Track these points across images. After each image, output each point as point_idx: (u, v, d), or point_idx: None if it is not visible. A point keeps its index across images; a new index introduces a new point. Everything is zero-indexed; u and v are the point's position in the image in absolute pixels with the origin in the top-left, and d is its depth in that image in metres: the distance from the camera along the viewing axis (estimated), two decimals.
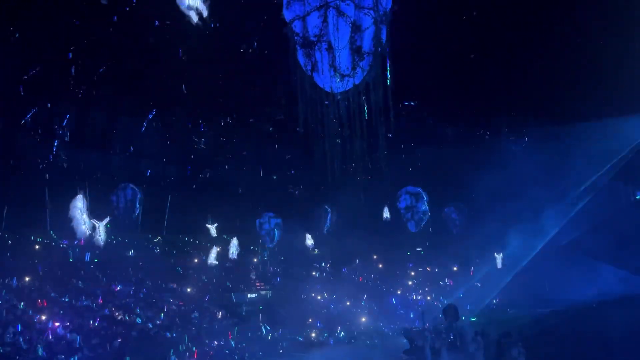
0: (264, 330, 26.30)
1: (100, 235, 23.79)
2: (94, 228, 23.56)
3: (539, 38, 19.28)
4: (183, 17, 17.04)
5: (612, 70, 20.92)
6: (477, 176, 27.30)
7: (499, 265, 32.05)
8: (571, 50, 20.09)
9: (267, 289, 33.39)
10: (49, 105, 21.62)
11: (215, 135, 24.84)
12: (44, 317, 20.93)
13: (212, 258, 31.07)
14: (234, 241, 31.29)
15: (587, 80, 21.79)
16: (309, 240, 34.17)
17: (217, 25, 17.50)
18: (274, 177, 27.44)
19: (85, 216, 21.91)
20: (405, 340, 21.31)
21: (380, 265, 37.74)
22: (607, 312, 25.45)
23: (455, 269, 36.81)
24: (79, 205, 22.09)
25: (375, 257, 37.61)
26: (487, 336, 16.17)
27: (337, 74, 9.34)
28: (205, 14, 14.56)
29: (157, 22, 18.57)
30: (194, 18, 14.10)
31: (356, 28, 9.06)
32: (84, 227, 22.05)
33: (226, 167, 27.56)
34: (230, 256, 32.02)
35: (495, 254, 32.18)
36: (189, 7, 14.08)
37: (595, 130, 25.63)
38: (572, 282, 28.26)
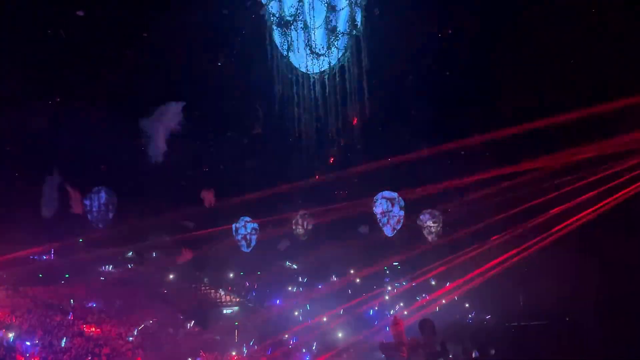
0: (244, 349, 26.00)
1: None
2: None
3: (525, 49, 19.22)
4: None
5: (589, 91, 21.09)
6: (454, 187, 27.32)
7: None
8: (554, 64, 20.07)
9: (243, 303, 33.07)
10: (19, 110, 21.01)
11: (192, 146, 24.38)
12: (11, 335, 20.32)
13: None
14: None
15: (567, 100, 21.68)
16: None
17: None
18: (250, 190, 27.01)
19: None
20: (382, 355, 21.27)
21: (358, 280, 37.68)
22: (581, 325, 25.81)
23: (433, 283, 36.91)
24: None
25: (352, 271, 37.55)
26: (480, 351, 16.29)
27: (313, 54, 9.50)
28: None
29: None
30: None
31: (331, 8, 9.28)
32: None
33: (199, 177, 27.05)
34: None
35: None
36: None
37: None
38: (548, 295, 28.52)
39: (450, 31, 19.21)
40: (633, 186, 20.79)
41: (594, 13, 17.87)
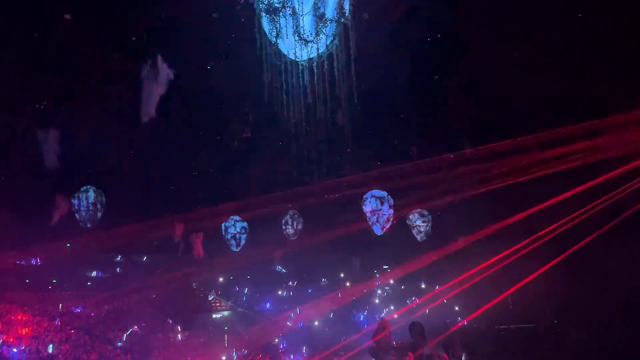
0: (234, 354, 25.88)
1: None
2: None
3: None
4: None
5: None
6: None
7: None
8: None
9: (233, 308, 32.92)
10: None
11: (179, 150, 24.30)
12: None
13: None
14: None
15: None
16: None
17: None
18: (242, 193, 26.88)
19: None
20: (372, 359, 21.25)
21: (348, 284, 37.70)
22: (565, 329, 26.03)
23: (423, 286, 36.99)
24: None
25: (342, 275, 37.56)
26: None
27: (301, 40, 9.60)
28: None
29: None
30: None
31: None
32: None
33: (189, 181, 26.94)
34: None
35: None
36: None
37: None
38: (536, 298, 28.67)
39: (439, 33, 19.25)
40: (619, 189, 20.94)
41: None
